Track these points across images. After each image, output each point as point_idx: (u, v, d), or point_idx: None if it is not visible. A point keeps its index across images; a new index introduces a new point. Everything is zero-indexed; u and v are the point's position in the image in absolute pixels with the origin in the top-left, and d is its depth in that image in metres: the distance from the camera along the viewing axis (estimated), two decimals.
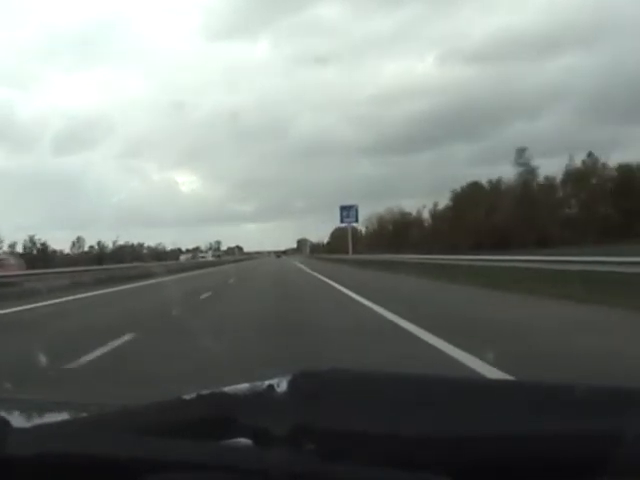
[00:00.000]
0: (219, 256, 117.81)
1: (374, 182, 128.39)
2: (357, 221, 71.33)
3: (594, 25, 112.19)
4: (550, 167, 62.43)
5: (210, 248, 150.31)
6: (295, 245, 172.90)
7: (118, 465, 0.77)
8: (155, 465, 0.76)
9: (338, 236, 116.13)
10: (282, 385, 0.87)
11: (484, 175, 72.50)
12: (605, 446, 0.75)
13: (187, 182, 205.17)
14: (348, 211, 67.73)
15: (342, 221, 68.23)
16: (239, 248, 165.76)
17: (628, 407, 0.86)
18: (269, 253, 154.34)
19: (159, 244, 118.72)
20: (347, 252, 60.18)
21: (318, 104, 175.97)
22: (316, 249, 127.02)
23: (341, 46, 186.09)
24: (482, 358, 4.64)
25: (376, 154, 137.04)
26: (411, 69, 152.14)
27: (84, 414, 1.21)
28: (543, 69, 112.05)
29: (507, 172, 65.38)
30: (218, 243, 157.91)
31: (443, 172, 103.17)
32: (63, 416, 1.24)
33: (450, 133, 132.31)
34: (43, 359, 4.59)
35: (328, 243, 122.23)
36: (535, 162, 63.00)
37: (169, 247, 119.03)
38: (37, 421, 1.15)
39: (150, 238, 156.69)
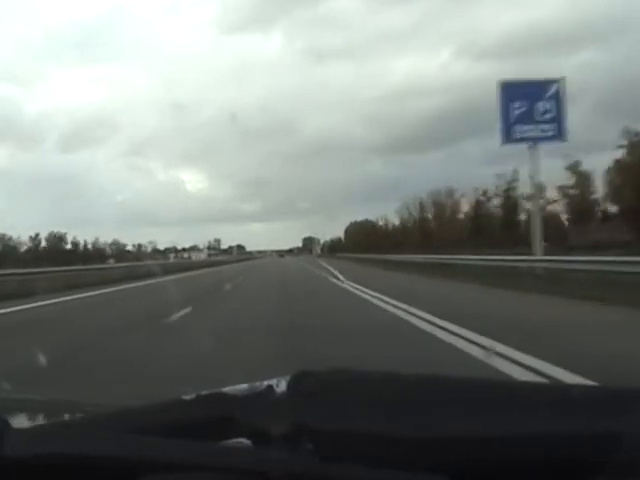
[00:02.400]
0: (209, 255, 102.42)
1: (383, 181, 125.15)
2: (564, 137, 20.43)
3: (612, 22, 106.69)
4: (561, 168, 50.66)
5: (209, 247, 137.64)
6: (300, 244, 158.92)
7: (118, 465, 0.77)
8: (155, 465, 0.76)
9: (354, 233, 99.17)
10: (281, 385, 0.87)
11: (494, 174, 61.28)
12: (605, 446, 0.74)
13: (192, 181, 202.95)
14: (532, 102, 20.04)
15: (507, 134, 20.46)
16: (240, 247, 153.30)
17: (628, 407, 0.85)
18: (271, 253, 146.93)
19: (151, 242, 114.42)
20: (376, 250, 42.44)
21: (328, 102, 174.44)
22: (334, 248, 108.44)
23: (353, 42, 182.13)
24: None
25: (386, 153, 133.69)
26: (424, 66, 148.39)
27: (84, 414, 1.21)
28: (558, 66, 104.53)
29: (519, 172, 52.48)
30: (218, 242, 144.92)
31: (455, 171, 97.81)
32: (63, 416, 1.23)
33: (463, 131, 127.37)
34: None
35: (346, 240, 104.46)
36: (547, 162, 45.65)
37: (162, 246, 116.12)
38: (37, 421, 1.14)
39: (152, 237, 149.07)
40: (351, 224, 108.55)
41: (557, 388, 1.01)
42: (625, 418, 0.80)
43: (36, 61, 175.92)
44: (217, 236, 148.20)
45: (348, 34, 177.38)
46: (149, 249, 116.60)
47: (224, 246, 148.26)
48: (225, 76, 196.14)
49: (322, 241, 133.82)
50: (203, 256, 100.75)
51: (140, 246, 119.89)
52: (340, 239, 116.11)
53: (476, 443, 0.77)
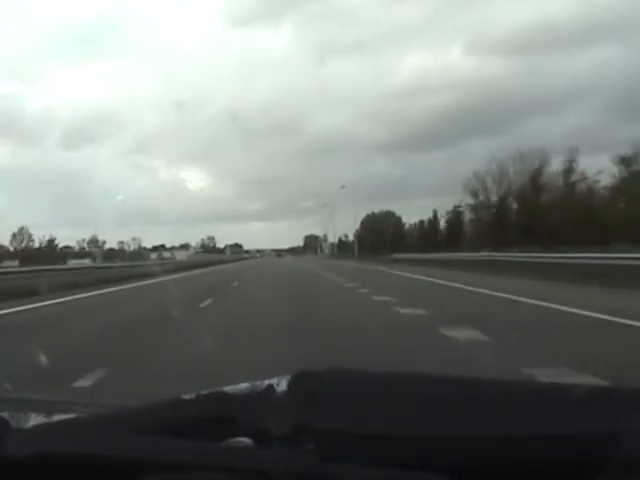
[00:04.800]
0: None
1: (387, 180, 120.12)
2: None
3: (626, 18, 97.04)
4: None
5: (202, 245, 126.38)
6: (302, 243, 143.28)
7: (118, 465, 0.77)
8: (155, 465, 0.76)
9: (373, 229, 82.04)
10: (282, 385, 0.86)
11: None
12: (604, 446, 0.74)
13: (194, 179, 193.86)
14: None
15: None
16: (237, 246, 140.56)
17: (628, 407, 0.85)
18: (270, 252, 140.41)
19: (135, 239, 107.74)
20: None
21: (333, 99, 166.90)
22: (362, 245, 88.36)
23: (361, 37, 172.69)
24: None
25: (390, 151, 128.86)
26: (432, 63, 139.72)
27: (84, 414, 1.20)
28: (571, 63, 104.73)
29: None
30: (212, 240, 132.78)
31: (461, 170, 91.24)
32: (63, 416, 1.21)
33: (469, 129, 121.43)
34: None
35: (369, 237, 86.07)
36: (557, 161, 45.06)
37: (151, 244, 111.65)
38: (37, 421, 1.13)
39: (151, 235, 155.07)
40: (367, 217, 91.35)
41: (557, 388, 1.01)
42: (625, 418, 0.79)
43: (37, 58, 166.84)
44: (217, 235, 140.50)
45: (357, 29, 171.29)
46: (132, 247, 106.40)
47: (220, 245, 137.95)
48: (230, 72, 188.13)
49: (329, 239, 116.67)
50: (183, 256, 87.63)
51: (122, 243, 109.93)
52: (349, 237, 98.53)
53: (476, 443, 0.77)
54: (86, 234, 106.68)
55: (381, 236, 69.92)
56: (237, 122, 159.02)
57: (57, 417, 1.19)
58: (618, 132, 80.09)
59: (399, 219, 77.25)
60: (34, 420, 1.13)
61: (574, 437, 0.77)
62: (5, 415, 0.91)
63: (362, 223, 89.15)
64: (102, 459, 0.77)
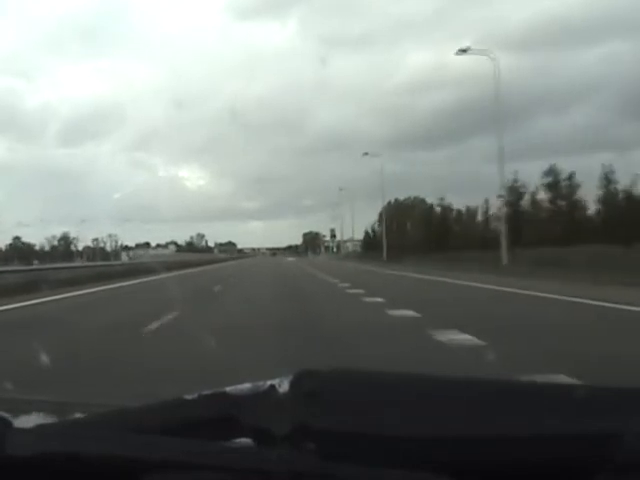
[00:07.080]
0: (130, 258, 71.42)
1: (389, 178, 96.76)
2: None
3: (637, 13, 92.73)
4: (578, 166, 29.10)
5: (189, 244, 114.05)
6: (300, 242, 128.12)
7: (118, 465, 0.77)
8: (155, 465, 0.76)
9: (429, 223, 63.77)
10: (283, 385, 0.86)
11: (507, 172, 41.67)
12: (605, 446, 0.74)
13: (191, 177, 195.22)
14: None
15: None
16: (230, 244, 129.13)
17: (628, 407, 0.85)
18: (265, 251, 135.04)
19: (111, 236, 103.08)
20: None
21: (336, 96, 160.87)
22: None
23: (364, 33, 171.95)
24: None
25: (393, 149, 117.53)
26: (438, 58, 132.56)
27: (84, 414, 1.19)
28: (579, 59, 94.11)
29: (528, 170, 41.97)
30: (202, 237, 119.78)
31: (465, 168, 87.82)
32: (63, 416, 1.22)
33: (473, 127, 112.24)
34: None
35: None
36: (562, 161, 39.66)
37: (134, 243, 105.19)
38: (37, 421, 1.12)
39: (146, 234, 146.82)
40: (385, 208, 73.58)
41: (557, 388, 1.01)
42: (625, 418, 0.79)
43: (38, 54, 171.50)
44: (214, 233, 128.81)
45: (361, 25, 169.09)
46: (108, 245, 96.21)
47: (211, 243, 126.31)
48: (232, 68, 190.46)
49: (339, 236, 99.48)
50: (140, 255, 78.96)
51: (97, 241, 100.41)
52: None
53: (476, 443, 0.77)
54: (85, 230, 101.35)
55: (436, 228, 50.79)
56: (238, 118, 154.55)
57: (57, 417, 1.19)
58: (626, 130, 74.96)
59: (431, 207, 60.48)
60: (35, 420, 1.13)
61: (574, 437, 0.77)
62: (6, 415, 0.92)
63: (381, 215, 71.99)
64: (102, 459, 0.77)
